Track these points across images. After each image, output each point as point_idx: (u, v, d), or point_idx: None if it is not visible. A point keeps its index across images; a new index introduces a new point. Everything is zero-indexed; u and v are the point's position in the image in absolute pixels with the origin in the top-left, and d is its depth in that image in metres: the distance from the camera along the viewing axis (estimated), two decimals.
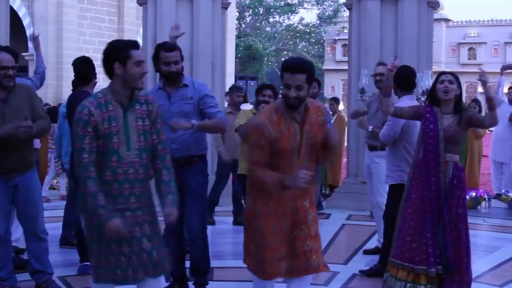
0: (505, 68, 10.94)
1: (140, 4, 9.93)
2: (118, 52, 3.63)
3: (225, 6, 10.03)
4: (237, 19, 41.66)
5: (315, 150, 4.02)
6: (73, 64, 6.02)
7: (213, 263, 5.42)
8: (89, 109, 3.62)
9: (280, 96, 4.04)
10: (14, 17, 24.54)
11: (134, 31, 25.83)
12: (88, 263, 5.53)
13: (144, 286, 3.85)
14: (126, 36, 26.61)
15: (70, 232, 6.67)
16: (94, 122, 3.61)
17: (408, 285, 4.95)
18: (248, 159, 6.34)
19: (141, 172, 3.74)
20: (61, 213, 7.09)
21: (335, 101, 11.44)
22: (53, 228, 6.93)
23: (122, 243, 3.66)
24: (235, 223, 7.99)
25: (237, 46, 34.44)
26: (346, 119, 10.42)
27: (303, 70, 3.81)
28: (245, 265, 4.14)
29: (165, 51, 4.95)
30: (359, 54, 9.28)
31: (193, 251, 5.15)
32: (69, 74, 8.83)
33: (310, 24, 46.61)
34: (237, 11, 42.35)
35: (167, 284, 5.16)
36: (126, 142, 3.70)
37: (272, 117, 3.87)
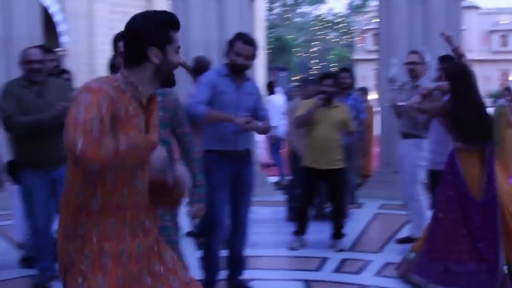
0: None
1: None
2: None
3: None
4: (267, 10, 41.63)
5: None
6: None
7: (248, 252, 5.46)
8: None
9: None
10: (46, 13, 24.87)
11: None
12: None
13: None
14: None
15: None
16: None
17: None
18: (310, 151, 6.41)
19: None
20: None
21: (363, 90, 11.43)
22: None
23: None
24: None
25: (266, 37, 34.39)
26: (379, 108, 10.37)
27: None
28: (277, 254, 4.15)
29: (243, 43, 4.77)
30: (388, 44, 9.25)
31: (236, 240, 5.11)
32: (102, 69, 8.94)
33: (340, 14, 46.38)
34: (267, 2, 42.33)
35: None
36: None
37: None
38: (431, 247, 5.10)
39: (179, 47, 2.56)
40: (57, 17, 26.47)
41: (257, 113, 4.95)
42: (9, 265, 5.86)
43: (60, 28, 26.44)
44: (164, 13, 2.52)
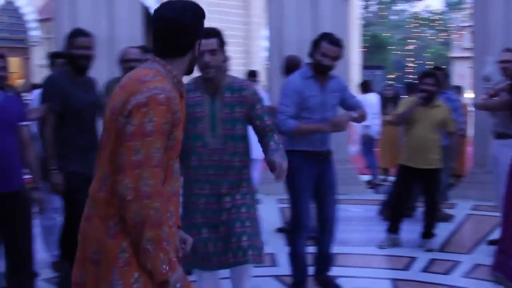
0: None
1: None
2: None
3: None
4: (362, 8, 41.24)
5: None
6: None
7: (337, 249, 5.55)
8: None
9: None
10: (148, 15, 25.66)
11: (260, 23, 26.26)
12: None
13: (235, 272, 3.95)
14: (253, 29, 27.14)
15: None
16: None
17: None
18: (407, 149, 6.44)
19: (227, 159, 3.76)
20: None
21: (458, 89, 11.26)
22: None
23: (202, 228, 3.75)
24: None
25: (362, 36, 34.11)
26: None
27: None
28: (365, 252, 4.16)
29: (329, 43, 4.69)
30: (483, 42, 9.06)
31: (324, 238, 5.12)
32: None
33: (436, 11, 45.31)
34: (362, 0, 41.91)
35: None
36: (212, 129, 3.75)
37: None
38: (506, 246, 5.11)
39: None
40: None
41: (348, 104, 4.96)
42: None
43: None
44: (198, 5, 2.52)
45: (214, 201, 3.78)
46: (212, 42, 3.63)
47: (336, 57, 4.73)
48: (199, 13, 2.48)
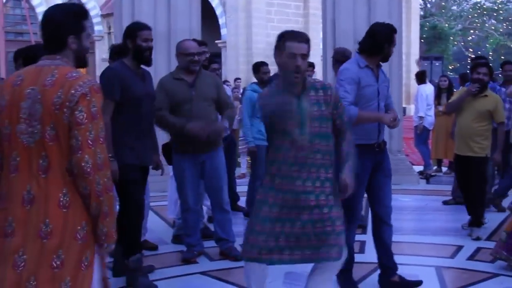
0: None
1: None
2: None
3: None
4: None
5: None
6: None
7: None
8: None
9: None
10: (208, 6, 26.04)
11: (318, 16, 26.23)
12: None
13: (317, 268, 3.98)
14: (312, 21, 27.18)
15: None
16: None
17: None
18: (456, 137, 6.55)
19: (312, 157, 3.76)
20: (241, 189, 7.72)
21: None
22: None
23: (276, 222, 3.76)
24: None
25: (422, 26, 33.66)
26: None
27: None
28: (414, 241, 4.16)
29: (396, 33, 4.89)
30: None
31: (384, 230, 5.09)
32: (258, 59, 9.39)
33: (498, 1, 44.20)
34: None
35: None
36: (301, 126, 3.79)
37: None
38: None
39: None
40: (218, 11, 27.65)
41: (387, 101, 5.00)
42: (163, 241, 6.39)
43: (221, 21, 27.61)
44: (77, 6, 2.98)
45: (293, 198, 3.77)
46: (304, 47, 3.74)
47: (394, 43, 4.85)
48: (74, 13, 2.90)
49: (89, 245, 2.75)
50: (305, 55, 3.78)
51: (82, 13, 2.94)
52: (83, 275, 2.71)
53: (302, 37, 3.79)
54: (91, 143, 2.69)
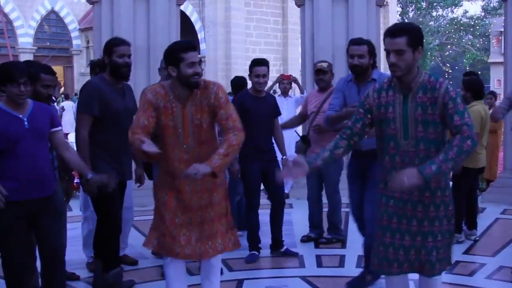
0: None
1: (298, 6, 10.39)
2: None
3: (380, 4, 10.20)
4: (400, 14, 41.03)
5: (204, 133, 4.10)
6: None
7: None
8: (367, 93, 3.83)
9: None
10: (187, 21, 26.08)
11: (297, 31, 26.43)
12: (255, 253, 6.09)
13: (421, 281, 3.90)
14: (290, 36, 27.34)
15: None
16: (367, 105, 3.79)
17: None
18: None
19: (418, 164, 3.51)
20: None
21: (492, 94, 11.24)
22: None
23: (395, 234, 3.67)
24: None
25: None
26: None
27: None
28: None
29: (352, 44, 5.18)
30: None
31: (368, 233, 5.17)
32: (237, 73, 9.42)
33: (475, 17, 44.82)
34: (400, 6, 41.68)
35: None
36: (404, 131, 3.65)
37: (159, 91, 4.10)
38: None
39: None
40: (197, 26, 27.71)
41: None
42: (143, 256, 6.29)
43: (200, 36, 27.67)
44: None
45: (402, 206, 3.67)
46: (397, 42, 3.55)
47: (362, 55, 5.12)
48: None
49: None
50: (400, 50, 3.56)
51: None
52: None
53: (396, 32, 3.58)
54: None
